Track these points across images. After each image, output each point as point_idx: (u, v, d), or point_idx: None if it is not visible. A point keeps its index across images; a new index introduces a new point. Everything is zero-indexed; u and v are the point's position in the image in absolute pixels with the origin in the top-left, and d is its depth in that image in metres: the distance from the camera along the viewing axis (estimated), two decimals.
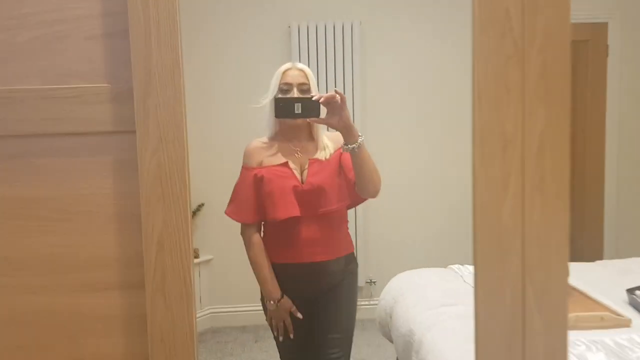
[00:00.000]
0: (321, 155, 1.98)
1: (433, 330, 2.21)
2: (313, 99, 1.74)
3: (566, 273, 0.95)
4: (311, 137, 2.03)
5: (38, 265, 0.96)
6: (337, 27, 3.86)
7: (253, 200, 1.96)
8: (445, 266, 3.09)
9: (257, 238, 2.01)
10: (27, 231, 0.95)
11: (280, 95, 1.91)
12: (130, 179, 0.95)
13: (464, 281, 2.71)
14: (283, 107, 1.77)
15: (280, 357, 2.17)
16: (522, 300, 0.95)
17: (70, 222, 0.96)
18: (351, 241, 2.14)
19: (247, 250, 2.02)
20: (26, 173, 0.94)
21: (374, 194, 1.94)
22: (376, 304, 4.04)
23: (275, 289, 1.99)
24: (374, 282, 4.14)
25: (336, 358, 2.07)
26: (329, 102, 1.73)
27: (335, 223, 2.01)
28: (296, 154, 1.98)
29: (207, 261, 4.12)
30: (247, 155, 2.01)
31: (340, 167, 1.98)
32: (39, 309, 0.96)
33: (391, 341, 2.71)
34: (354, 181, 1.94)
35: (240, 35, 3.96)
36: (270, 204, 1.93)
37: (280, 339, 2.04)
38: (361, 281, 4.05)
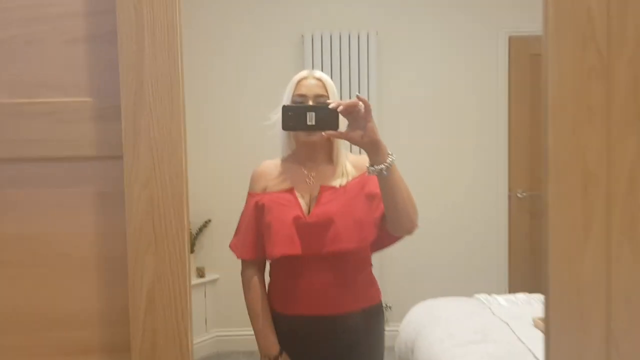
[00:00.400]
0: (336, 182, 1.58)
1: None
2: (330, 106, 1.36)
3: None
4: (330, 159, 1.64)
5: (2, 323, 0.77)
6: (352, 37, 3.69)
7: (253, 233, 1.61)
8: (470, 295, 2.88)
9: (255, 279, 1.63)
10: None
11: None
12: (116, 216, 0.76)
13: (493, 314, 2.50)
14: (293, 117, 1.38)
15: None
16: None
17: (42, 268, 0.77)
18: (377, 289, 1.68)
19: (243, 292, 1.65)
20: None
21: (410, 230, 1.54)
22: (392, 330, 3.86)
23: (270, 345, 1.58)
24: (390, 307, 3.91)
25: None
26: (350, 112, 1.35)
27: (350, 266, 1.58)
28: (307, 180, 1.61)
29: (213, 281, 3.93)
30: (252, 179, 1.68)
31: (364, 197, 1.58)
32: None
33: None
34: (381, 215, 1.56)
35: (250, 45, 3.80)
36: (267, 239, 1.56)
37: None
38: None
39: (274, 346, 1.59)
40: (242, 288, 1.65)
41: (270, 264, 1.67)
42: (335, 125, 1.38)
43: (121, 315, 0.76)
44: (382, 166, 1.40)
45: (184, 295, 0.73)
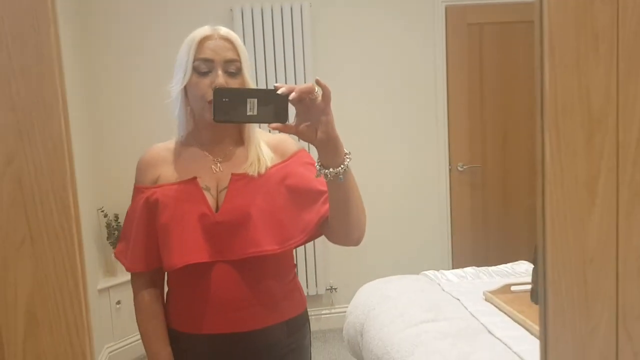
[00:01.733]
0: (252, 168, 1.28)
1: (415, 354, 1.89)
2: (279, 92, 1.03)
3: None
4: (240, 139, 1.34)
5: None
6: (285, 10, 3.48)
7: (143, 238, 1.29)
8: (416, 272, 2.79)
9: (145, 296, 1.33)
10: None
11: (196, 79, 1.23)
12: None
13: (443, 290, 2.41)
14: (228, 105, 1.05)
15: None
16: None
17: None
18: (301, 295, 1.41)
19: (135, 311, 1.35)
20: None
21: (357, 241, 1.27)
22: (338, 313, 3.75)
23: None
24: (335, 289, 3.80)
25: None
26: (302, 100, 1.03)
27: (269, 273, 1.31)
28: (214, 166, 1.30)
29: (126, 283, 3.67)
30: (139, 169, 1.34)
31: (285, 190, 1.29)
32: None
33: None
34: (319, 219, 1.28)
35: (175, 22, 3.51)
36: (164, 244, 1.25)
37: None
38: (321, 288, 3.71)
39: None
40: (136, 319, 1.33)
41: (169, 274, 1.34)
42: (284, 117, 1.05)
43: None
44: (339, 169, 1.11)
45: (78, 305, 0.54)
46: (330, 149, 1.09)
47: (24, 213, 0.53)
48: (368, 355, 2.21)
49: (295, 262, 1.43)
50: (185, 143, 1.34)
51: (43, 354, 0.55)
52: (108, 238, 3.40)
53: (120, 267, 3.52)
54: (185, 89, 1.26)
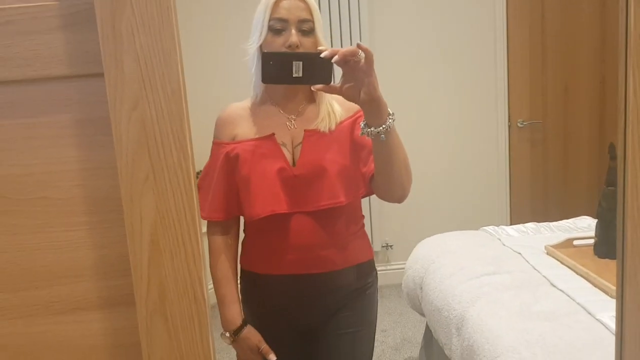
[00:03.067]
0: (323, 124, 1.35)
1: (477, 305, 1.93)
2: (322, 55, 1.09)
3: None
4: (312, 97, 1.40)
5: None
6: None
7: (222, 190, 1.39)
8: (474, 229, 2.80)
9: (220, 242, 1.42)
10: None
11: (271, 38, 1.29)
12: (103, 148, 0.63)
13: (503, 245, 2.42)
14: (275, 67, 1.12)
15: None
16: None
17: (17, 215, 0.64)
18: (369, 244, 1.50)
19: (209, 256, 1.44)
20: None
21: (400, 199, 1.36)
22: (394, 270, 3.81)
23: (232, 316, 1.39)
24: (391, 246, 3.86)
25: None
26: (347, 62, 1.10)
27: (342, 221, 1.40)
28: (288, 123, 1.38)
29: None
30: (218, 126, 1.42)
31: (354, 144, 1.37)
32: None
33: (422, 314, 2.45)
34: (370, 174, 1.36)
35: None
36: (245, 196, 1.35)
37: None
38: (377, 246, 3.78)
39: (235, 319, 1.40)
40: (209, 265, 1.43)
41: (248, 223, 1.44)
42: (327, 78, 1.13)
43: (120, 265, 0.64)
44: (381, 129, 1.18)
45: (195, 236, 0.61)
46: (373, 109, 1.16)
47: (147, 152, 0.60)
48: (428, 307, 2.27)
49: (362, 214, 1.51)
50: (260, 101, 1.42)
51: (165, 278, 0.62)
52: None
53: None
54: (261, 48, 1.32)
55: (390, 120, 1.19)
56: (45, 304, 0.65)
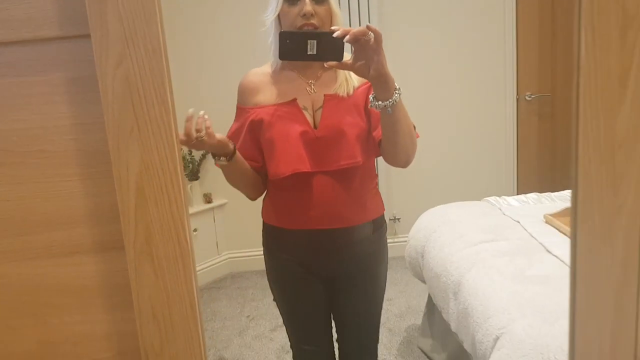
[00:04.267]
0: (341, 89, 1.45)
1: (473, 270, 1.98)
2: (335, 35, 1.19)
3: None
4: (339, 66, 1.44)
5: None
6: None
7: (247, 151, 1.51)
8: (479, 199, 2.84)
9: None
10: None
11: (286, 8, 1.38)
12: (92, 104, 0.68)
13: (503, 214, 2.46)
14: (291, 45, 1.23)
15: (291, 347, 1.76)
16: (639, 243, 0.69)
17: (16, 167, 0.70)
18: (381, 201, 1.64)
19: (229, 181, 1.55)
20: None
21: (404, 165, 1.49)
22: (401, 242, 3.86)
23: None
24: (399, 219, 3.92)
25: (367, 345, 1.71)
26: (358, 40, 1.19)
27: (358, 179, 1.51)
28: (308, 88, 1.47)
29: (221, 205, 3.92)
30: (241, 91, 1.52)
31: (367, 111, 1.47)
32: None
33: (423, 281, 2.51)
34: (379, 139, 1.47)
35: None
36: (270, 157, 1.46)
37: (292, 307, 1.61)
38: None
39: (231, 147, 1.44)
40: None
41: (272, 181, 1.55)
42: (339, 56, 1.23)
43: (110, 212, 0.70)
44: (388, 102, 1.29)
45: (176, 183, 0.67)
46: (381, 84, 1.27)
47: (131, 106, 0.65)
48: (428, 274, 2.33)
49: (376, 173, 1.65)
50: (280, 68, 1.51)
51: (150, 222, 0.68)
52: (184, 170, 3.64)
53: (196, 198, 3.79)
54: (279, 18, 1.42)
55: (396, 95, 1.30)
56: (44, 247, 0.72)
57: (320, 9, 1.38)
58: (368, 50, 1.21)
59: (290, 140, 1.42)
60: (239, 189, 1.59)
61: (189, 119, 1.30)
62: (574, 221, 0.70)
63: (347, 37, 1.18)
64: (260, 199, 1.66)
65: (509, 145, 3.83)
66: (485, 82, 3.76)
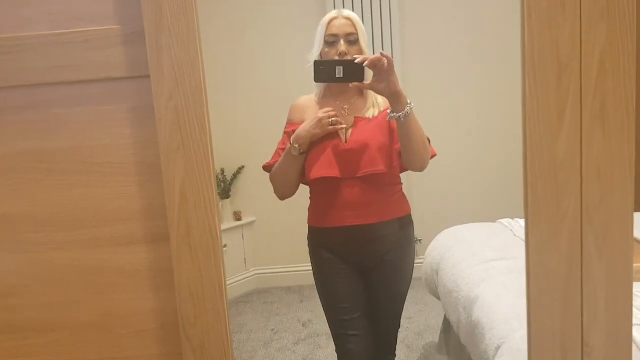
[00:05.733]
0: (369, 113, 1.79)
1: (482, 286, 2.12)
2: (356, 61, 1.55)
3: (630, 212, 0.84)
4: (361, 92, 1.84)
5: (61, 221, 0.92)
6: None
7: None
8: (494, 220, 2.97)
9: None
10: (46, 186, 0.92)
11: (326, 49, 1.73)
12: (148, 127, 0.89)
13: (514, 235, 2.59)
14: (323, 70, 1.59)
15: (334, 338, 1.95)
16: (580, 245, 0.85)
17: (89, 174, 0.91)
18: (406, 202, 1.92)
19: (271, 177, 1.86)
20: (41, 124, 0.90)
21: (420, 169, 1.78)
22: (422, 262, 3.99)
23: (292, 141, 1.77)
24: (419, 240, 4.05)
25: (390, 331, 1.97)
26: (375, 65, 1.55)
27: (383, 184, 1.79)
28: (342, 112, 1.80)
29: (250, 223, 4.13)
30: (292, 110, 1.88)
31: (389, 128, 1.78)
32: (65, 264, 0.93)
33: (438, 298, 2.65)
34: (399, 149, 1.77)
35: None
36: (307, 163, 1.78)
37: (334, 297, 1.85)
38: None
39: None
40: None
41: (312, 188, 1.87)
42: (360, 77, 1.58)
43: (159, 210, 0.90)
44: (400, 114, 1.62)
45: (210, 188, 0.86)
46: (394, 99, 1.63)
47: (178, 129, 0.86)
48: (442, 289, 2.47)
49: (401, 181, 1.91)
50: (322, 95, 1.85)
51: (189, 218, 0.88)
52: None
53: (227, 215, 4.01)
54: (321, 56, 1.76)
55: (407, 108, 1.63)
56: (107, 238, 0.93)
57: (352, 49, 1.72)
58: (383, 72, 1.56)
59: (324, 150, 1.74)
60: (281, 184, 1.86)
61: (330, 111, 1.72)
62: (526, 229, 0.87)
63: (366, 62, 1.54)
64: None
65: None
66: (500, 101, 3.89)
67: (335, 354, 1.94)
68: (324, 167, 1.73)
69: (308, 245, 1.96)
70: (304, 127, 1.74)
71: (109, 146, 0.90)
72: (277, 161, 1.84)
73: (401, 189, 1.90)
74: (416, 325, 3.37)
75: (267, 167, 1.88)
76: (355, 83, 1.60)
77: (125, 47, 0.87)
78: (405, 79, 3.84)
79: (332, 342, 1.92)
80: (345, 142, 1.75)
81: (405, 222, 1.89)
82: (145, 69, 0.86)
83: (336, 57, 1.69)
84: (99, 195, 0.91)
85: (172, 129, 0.85)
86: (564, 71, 0.81)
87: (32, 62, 0.88)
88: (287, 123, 1.88)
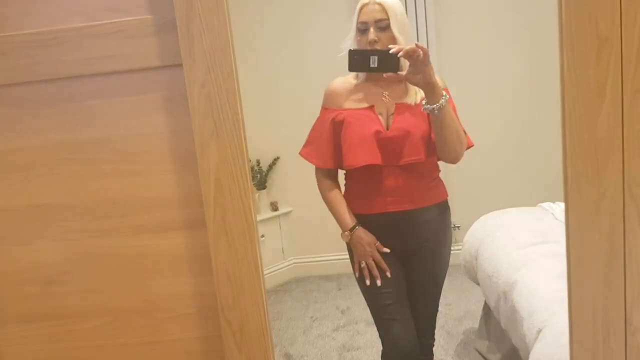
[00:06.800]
0: (410, 99, 1.74)
1: (522, 270, 2.08)
2: (391, 52, 1.49)
3: None
4: (400, 78, 1.71)
5: (100, 209, 0.95)
6: None
7: (330, 145, 1.78)
8: (534, 205, 2.91)
9: (329, 182, 1.84)
10: (85, 176, 0.94)
11: (358, 37, 1.70)
12: (183, 115, 0.91)
13: (555, 218, 2.53)
14: (357, 60, 1.54)
15: (371, 309, 1.94)
16: (622, 222, 0.83)
17: (126, 163, 0.94)
18: (444, 188, 1.90)
19: (322, 193, 1.87)
20: (77, 116, 0.92)
21: (453, 161, 1.74)
22: (460, 249, 3.95)
23: (346, 219, 1.81)
24: (458, 227, 4.00)
25: (430, 316, 1.99)
26: (410, 56, 1.49)
27: (422, 171, 1.78)
28: (384, 98, 1.75)
29: (287, 213, 4.16)
30: (328, 96, 1.81)
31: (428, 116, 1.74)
32: (105, 252, 0.96)
33: (478, 284, 2.61)
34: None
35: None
36: (348, 150, 1.73)
37: (377, 282, 1.82)
38: None
39: (349, 221, 1.81)
40: (322, 198, 1.87)
41: (350, 174, 1.84)
42: (395, 68, 1.53)
43: (195, 197, 0.92)
44: (435, 106, 1.58)
45: (245, 175, 0.87)
46: (429, 91, 1.58)
47: (211, 117, 0.87)
48: (481, 274, 2.44)
49: (439, 168, 1.89)
50: (361, 79, 1.80)
51: (225, 205, 0.90)
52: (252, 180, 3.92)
53: (264, 206, 4.05)
54: (356, 45, 1.72)
55: (443, 100, 1.58)
56: (146, 225, 0.95)
57: (383, 35, 1.66)
58: (418, 63, 1.51)
59: (366, 138, 1.70)
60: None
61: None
62: (566, 208, 0.85)
63: (401, 53, 1.49)
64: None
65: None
66: (539, 82, 3.79)
67: (376, 340, 1.94)
68: (367, 154, 1.70)
69: None
70: (359, 242, 1.80)
71: (144, 136, 0.92)
72: (319, 151, 1.81)
73: (439, 176, 1.89)
74: (456, 312, 3.33)
75: (308, 156, 1.85)
76: (389, 73, 1.55)
77: (158, 37, 0.88)
78: (440, 64, 3.78)
79: (372, 329, 1.92)
80: (387, 129, 1.72)
81: (444, 207, 1.89)
82: (178, 58, 0.87)
83: (368, 46, 1.65)
84: (136, 184, 0.94)
85: (206, 117, 0.87)
86: (604, 46, 0.78)
87: (67, 55, 0.90)
88: (322, 108, 1.83)
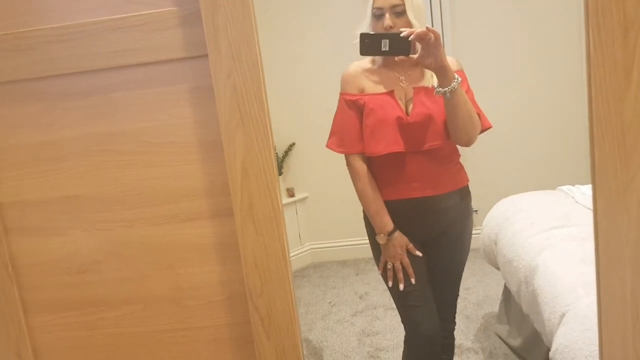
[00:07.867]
0: (427, 82, 1.72)
1: (544, 254, 2.07)
2: (402, 35, 1.49)
3: None
4: (413, 62, 1.68)
5: (129, 200, 0.97)
6: None
7: (357, 129, 1.75)
8: (554, 188, 2.89)
9: (364, 169, 1.78)
10: (113, 167, 0.96)
11: (373, 23, 1.69)
12: (209, 106, 0.91)
13: (576, 202, 2.52)
14: (368, 43, 1.53)
15: (393, 295, 1.93)
16: None
17: (153, 154, 0.95)
18: (464, 173, 1.89)
19: (354, 183, 1.82)
20: (105, 108, 0.94)
21: (466, 144, 1.73)
22: (479, 234, 3.94)
23: (385, 222, 1.78)
24: (476, 211, 3.98)
25: (450, 300, 1.99)
26: (422, 39, 1.49)
27: (443, 156, 1.77)
28: (401, 83, 1.74)
29: (303, 199, 4.18)
30: (345, 81, 1.79)
31: None
32: (135, 241, 0.98)
33: (497, 268, 2.61)
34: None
35: None
36: (370, 137, 1.72)
37: (400, 286, 1.81)
38: None
39: (388, 224, 1.79)
40: (352, 180, 1.82)
41: (372, 160, 1.80)
42: (407, 51, 1.52)
43: (222, 187, 0.93)
44: (447, 89, 1.57)
45: (270, 163, 0.88)
46: (441, 74, 1.57)
47: (237, 107, 0.87)
48: (501, 259, 2.43)
49: (459, 152, 1.87)
50: (377, 64, 1.78)
51: (252, 193, 0.91)
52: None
53: (300, 188, 4.07)
54: (371, 30, 1.71)
55: (454, 83, 1.57)
56: (173, 215, 0.96)
57: (399, 21, 1.66)
58: (430, 47, 1.50)
59: (388, 125, 1.69)
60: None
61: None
62: (594, 192, 0.84)
63: (412, 36, 1.48)
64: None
65: (582, 130, 3.78)
66: (556, 65, 3.74)
67: (395, 325, 1.95)
68: (389, 142, 1.69)
69: (365, 220, 1.91)
70: (392, 242, 1.78)
71: (171, 126, 0.93)
72: (344, 138, 1.77)
73: (459, 159, 1.88)
74: (475, 296, 3.34)
75: (335, 147, 1.81)
76: (401, 57, 1.54)
77: (183, 29, 0.89)
78: (455, 47, 3.74)
79: (390, 314, 1.93)
80: (408, 114, 1.71)
81: (465, 192, 1.88)
82: (203, 49, 0.88)
83: (383, 31, 1.64)
84: (164, 174, 0.95)
85: (232, 107, 0.87)
86: (632, 26, 0.77)
87: (93, 48, 0.91)
88: (340, 95, 1.81)
